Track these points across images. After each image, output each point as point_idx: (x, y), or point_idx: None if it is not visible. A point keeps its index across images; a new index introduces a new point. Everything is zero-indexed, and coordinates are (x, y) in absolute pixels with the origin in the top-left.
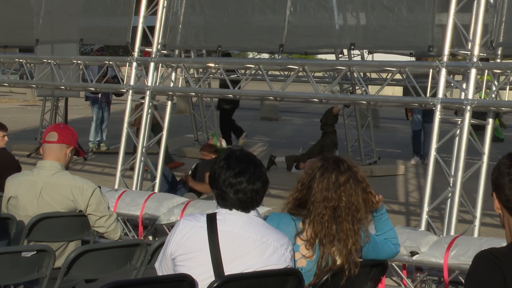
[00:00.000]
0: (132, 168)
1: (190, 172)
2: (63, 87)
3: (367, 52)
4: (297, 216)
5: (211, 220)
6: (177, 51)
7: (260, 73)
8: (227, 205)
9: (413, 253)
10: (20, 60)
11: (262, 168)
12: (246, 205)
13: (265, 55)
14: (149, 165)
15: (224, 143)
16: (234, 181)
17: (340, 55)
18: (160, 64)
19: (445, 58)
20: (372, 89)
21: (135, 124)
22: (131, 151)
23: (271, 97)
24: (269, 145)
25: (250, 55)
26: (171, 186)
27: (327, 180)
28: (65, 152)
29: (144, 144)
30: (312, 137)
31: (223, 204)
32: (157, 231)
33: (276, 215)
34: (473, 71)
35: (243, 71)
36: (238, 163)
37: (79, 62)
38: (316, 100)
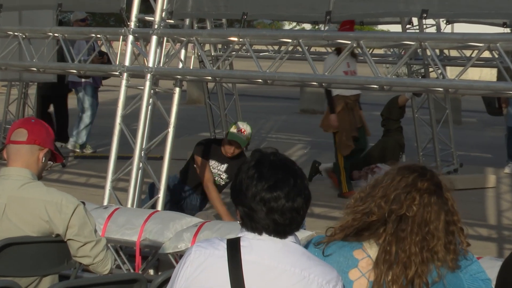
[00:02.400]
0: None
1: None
2: (34, 69)
3: (444, 22)
4: (352, 240)
5: (233, 248)
6: (188, 21)
7: (300, 50)
8: (257, 228)
9: None
10: None
11: (304, 179)
12: (283, 228)
13: (307, 26)
14: (150, 174)
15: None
16: (269, 196)
17: (408, 26)
18: (165, 38)
19: None
20: (452, 72)
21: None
22: (125, 155)
23: (314, 83)
24: (311, 147)
25: (286, 26)
26: (175, 196)
27: (399, 179)
28: (37, 156)
29: (144, 146)
30: (371, 136)
31: (251, 227)
32: (160, 262)
33: (321, 239)
34: None
35: (276, 48)
36: (273, 172)
37: (56, 35)
38: (376, 86)
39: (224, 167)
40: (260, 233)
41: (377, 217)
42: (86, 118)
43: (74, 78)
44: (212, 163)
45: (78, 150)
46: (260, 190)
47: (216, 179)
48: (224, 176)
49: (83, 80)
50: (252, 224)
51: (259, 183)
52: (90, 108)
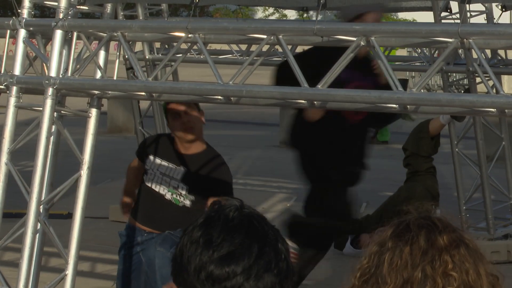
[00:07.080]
0: None
1: None
2: None
3: (499, 7)
4: None
5: None
6: (109, 7)
7: (280, 51)
8: None
9: None
10: None
11: (278, 245)
12: None
13: (291, 14)
14: (53, 240)
15: None
16: (218, 272)
17: (443, 14)
18: (76, 34)
19: None
20: (511, 84)
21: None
22: (15, 211)
23: (302, 101)
24: (297, 198)
25: (259, 13)
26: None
27: (408, 249)
28: None
29: (43, 197)
30: (387, 181)
31: None
32: None
33: None
34: None
35: (244, 48)
36: (227, 235)
37: None
38: (394, 106)
39: (180, 172)
40: None
41: None
42: None
43: None
44: (158, 164)
45: None
46: (207, 262)
47: (172, 197)
48: (183, 189)
49: None
50: None
51: (205, 251)
52: None
